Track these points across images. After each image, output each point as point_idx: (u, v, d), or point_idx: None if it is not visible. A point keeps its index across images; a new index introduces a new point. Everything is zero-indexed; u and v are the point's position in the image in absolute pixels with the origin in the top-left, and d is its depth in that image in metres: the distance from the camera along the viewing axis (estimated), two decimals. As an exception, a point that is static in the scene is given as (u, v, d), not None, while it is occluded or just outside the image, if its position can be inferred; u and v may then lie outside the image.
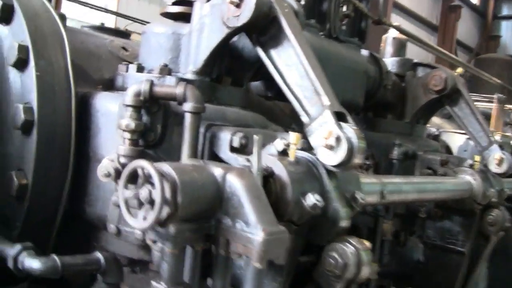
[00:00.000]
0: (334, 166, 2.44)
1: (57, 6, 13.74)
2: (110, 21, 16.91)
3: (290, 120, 3.89)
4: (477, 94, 8.08)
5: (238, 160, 2.49)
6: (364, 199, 2.60)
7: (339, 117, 2.53)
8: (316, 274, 2.53)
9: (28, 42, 2.82)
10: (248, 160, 2.43)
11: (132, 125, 2.52)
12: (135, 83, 2.80)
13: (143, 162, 2.05)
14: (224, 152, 2.56)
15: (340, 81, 3.81)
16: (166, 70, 2.81)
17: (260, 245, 2.02)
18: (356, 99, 4.21)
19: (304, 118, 2.60)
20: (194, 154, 2.54)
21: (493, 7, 39.81)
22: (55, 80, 2.82)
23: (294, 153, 2.45)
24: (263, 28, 2.73)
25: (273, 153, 2.47)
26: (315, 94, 2.59)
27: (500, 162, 4.65)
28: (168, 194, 2.02)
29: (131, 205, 2.13)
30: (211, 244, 2.22)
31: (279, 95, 3.77)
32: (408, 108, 4.92)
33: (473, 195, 4.34)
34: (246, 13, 2.62)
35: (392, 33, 5.22)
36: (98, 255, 2.83)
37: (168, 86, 2.61)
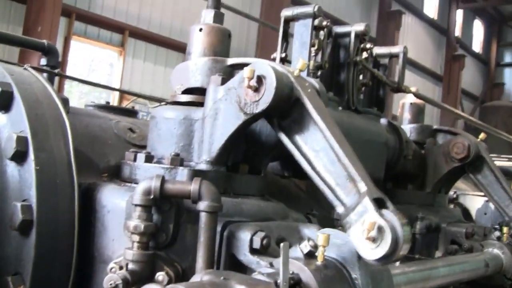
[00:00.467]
0: (377, 261, 2.17)
1: (60, 86, 13.79)
2: (116, 83, 16.95)
3: (307, 198, 3.66)
4: (496, 155, 7.83)
5: (260, 264, 2.24)
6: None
7: (379, 204, 2.26)
8: None
9: (27, 133, 2.59)
10: (271, 265, 2.17)
11: (141, 227, 2.27)
12: (144, 174, 2.59)
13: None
14: (244, 254, 2.30)
15: (361, 155, 3.59)
16: (177, 160, 2.57)
17: None
18: (377, 172, 3.97)
19: (339, 209, 2.33)
20: (210, 257, 2.28)
21: (496, 54, 40.01)
22: (56, 174, 2.58)
23: (323, 256, 2.18)
24: (285, 112, 2.50)
25: (299, 256, 2.20)
26: (350, 181, 2.34)
27: (530, 233, 4.38)
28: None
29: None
30: None
31: (296, 175, 3.56)
32: (429, 178, 4.69)
33: (503, 270, 4.08)
34: (266, 98, 2.39)
35: (409, 99, 5.01)
36: None
37: (181, 183, 2.36)
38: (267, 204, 2.73)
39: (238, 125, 2.51)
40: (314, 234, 2.51)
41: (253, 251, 2.28)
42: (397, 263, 3.06)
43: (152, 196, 2.31)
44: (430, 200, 4.71)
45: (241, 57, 2.89)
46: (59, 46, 14.66)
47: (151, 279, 2.28)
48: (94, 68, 17.52)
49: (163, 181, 2.32)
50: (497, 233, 4.44)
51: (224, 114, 2.55)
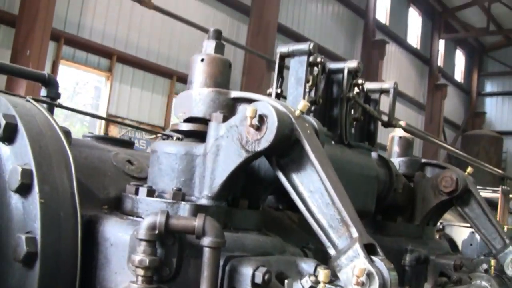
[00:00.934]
0: (366, 304, 2.26)
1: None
2: (102, 107, 16.97)
3: (300, 231, 3.72)
4: (482, 187, 7.97)
5: (262, 300, 2.30)
6: None
7: (369, 250, 2.37)
8: None
9: (32, 165, 2.63)
10: (273, 300, 2.24)
11: (146, 261, 2.32)
12: (146, 208, 2.65)
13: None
14: (246, 289, 2.36)
15: (352, 189, 3.67)
16: (179, 195, 2.62)
17: None
18: (368, 206, 4.05)
19: (331, 251, 2.43)
20: (213, 291, 2.33)
21: (477, 84, 40.61)
22: (60, 207, 2.62)
23: (324, 292, 2.26)
24: (284, 150, 2.58)
25: (300, 292, 2.28)
26: (342, 225, 2.43)
27: (517, 266, 4.47)
28: None
29: None
30: None
31: (290, 208, 3.63)
32: (418, 211, 4.78)
33: (491, 303, 4.16)
34: (267, 137, 2.47)
35: (398, 132, 5.12)
36: None
37: (185, 218, 2.42)
38: (265, 238, 2.79)
39: (240, 162, 2.57)
40: (311, 268, 2.60)
41: (254, 285, 2.34)
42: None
43: (157, 231, 2.36)
44: (419, 233, 4.79)
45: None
46: (47, 70, 14.68)
47: (154, 312, 2.33)
48: (79, 91, 17.55)
49: (167, 216, 2.38)
50: (484, 266, 4.53)
51: (225, 151, 2.62)
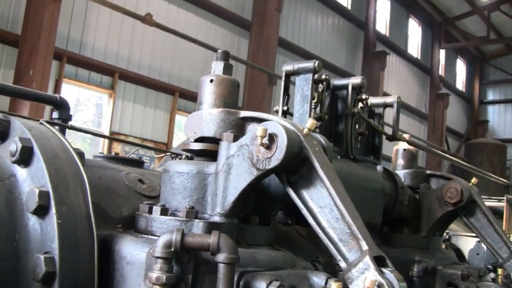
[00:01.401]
0: (377, 314, 2.33)
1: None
2: (105, 124, 17.05)
3: (309, 245, 3.78)
4: (487, 197, 8.02)
5: (275, 314, 2.36)
6: None
7: (379, 262, 2.44)
8: None
9: (49, 187, 2.71)
10: (287, 314, 2.30)
11: (163, 278, 2.39)
12: (160, 226, 2.71)
13: None
14: (260, 303, 2.42)
15: (359, 202, 3.74)
16: (193, 213, 2.70)
17: None
18: (374, 219, 4.13)
19: (342, 264, 2.50)
20: (228, 307, 2.40)
21: (478, 93, 40.71)
22: (77, 227, 2.69)
23: (337, 303, 2.33)
24: (294, 168, 2.65)
25: (313, 304, 2.34)
26: (352, 238, 2.50)
27: (525, 274, 4.52)
28: None
29: None
30: None
31: (299, 222, 3.70)
32: (424, 222, 4.84)
33: (499, 312, 4.20)
34: (277, 155, 2.55)
35: (403, 145, 5.19)
36: None
37: (200, 236, 2.49)
38: (277, 253, 2.86)
39: (251, 180, 2.65)
40: (322, 281, 2.66)
41: (268, 300, 2.41)
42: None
43: (173, 249, 2.43)
44: (425, 243, 4.84)
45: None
46: (50, 89, 14.81)
47: (171, 328, 2.40)
48: (80, 108, 17.64)
49: (183, 234, 2.45)
50: (491, 275, 4.58)
51: (237, 170, 2.69)
